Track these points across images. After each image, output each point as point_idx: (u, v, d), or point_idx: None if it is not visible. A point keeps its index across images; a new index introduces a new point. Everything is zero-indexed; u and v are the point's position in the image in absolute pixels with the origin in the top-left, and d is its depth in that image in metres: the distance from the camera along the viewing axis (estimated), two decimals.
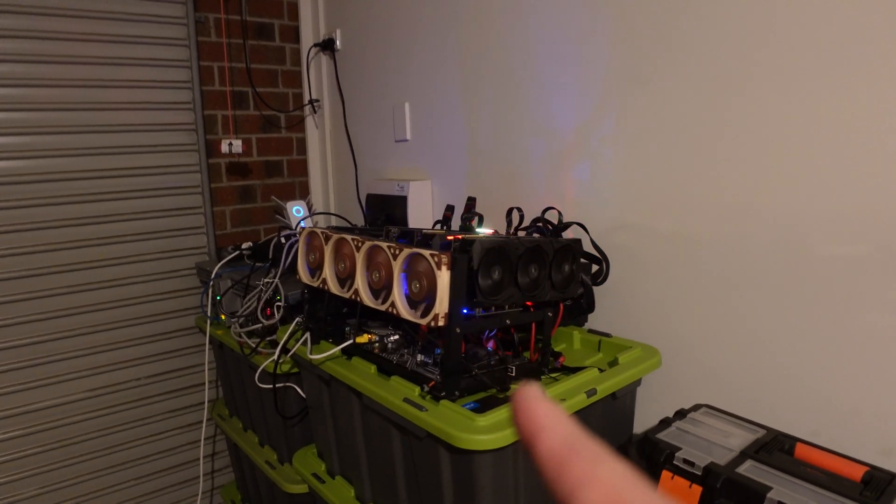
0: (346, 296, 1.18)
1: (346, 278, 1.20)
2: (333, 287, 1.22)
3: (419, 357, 1.13)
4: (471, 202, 1.33)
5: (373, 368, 1.15)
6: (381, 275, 1.09)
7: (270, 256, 1.61)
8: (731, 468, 0.90)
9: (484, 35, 1.57)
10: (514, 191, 1.54)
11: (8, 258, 1.70)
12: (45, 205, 1.74)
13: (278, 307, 1.49)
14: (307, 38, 2.15)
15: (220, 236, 2.06)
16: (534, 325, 1.16)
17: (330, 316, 1.29)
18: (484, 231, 1.29)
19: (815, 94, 1.01)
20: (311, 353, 1.20)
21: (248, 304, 1.56)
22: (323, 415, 1.34)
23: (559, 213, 1.41)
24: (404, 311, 1.05)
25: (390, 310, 1.07)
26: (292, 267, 1.46)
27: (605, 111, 1.32)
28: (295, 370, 1.46)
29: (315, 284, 1.27)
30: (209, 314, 1.81)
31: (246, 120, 2.06)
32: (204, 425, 1.97)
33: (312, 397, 1.38)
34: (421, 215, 1.76)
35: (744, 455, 0.95)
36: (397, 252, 1.05)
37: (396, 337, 1.18)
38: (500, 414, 0.94)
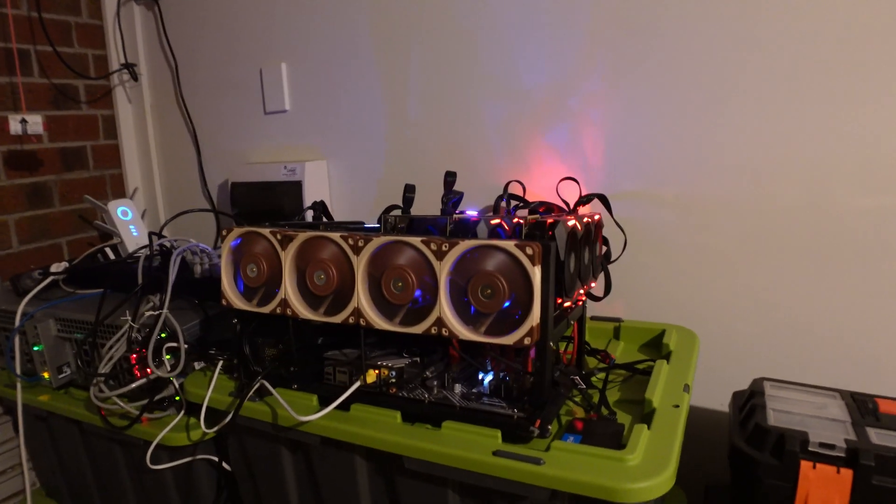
0: (336, 321, 0.82)
1: (325, 296, 0.83)
2: (304, 311, 0.85)
3: (457, 388, 0.82)
4: (450, 178, 1.04)
5: (397, 416, 0.81)
6: (409, 283, 0.76)
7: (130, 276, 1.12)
8: (868, 441, 0.79)
9: None
10: (458, 164, 1.26)
11: None
12: None
13: (169, 350, 1.02)
14: None
15: (4, 258, 1.43)
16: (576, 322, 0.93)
17: (297, 352, 0.90)
18: (471, 213, 1.02)
19: (834, 40, 0.93)
20: (294, 411, 0.81)
21: (112, 352, 1.06)
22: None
23: (523, 186, 1.18)
24: (464, 330, 0.74)
25: (433, 332, 0.75)
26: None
27: (589, 66, 1.12)
28: (209, 435, 1.02)
29: (265, 310, 0.87)
30: (18, 373, 1.23)
31: (29, 90, 1.44)
32: None
33: (269, 478, 0.97)
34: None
35: (858, 425, 0.85)
36: (445, 248, 0.73)
37: (403, 365, 0.86)
38: (639, 443, 0.70)
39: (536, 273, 0.70)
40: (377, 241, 0.78)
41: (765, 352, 1.07)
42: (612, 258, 1.07)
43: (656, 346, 1.05)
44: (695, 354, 0.97)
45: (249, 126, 1.52)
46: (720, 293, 1.08)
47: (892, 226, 0.95)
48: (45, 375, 1.20)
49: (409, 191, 1.04)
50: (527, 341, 0.71)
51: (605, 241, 1.06)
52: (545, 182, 1.19)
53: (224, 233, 0.91)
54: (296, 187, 1.36)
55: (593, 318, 1.12)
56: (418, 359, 0.86)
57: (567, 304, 0.82)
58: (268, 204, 1.41)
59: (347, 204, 1.40)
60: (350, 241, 0.80)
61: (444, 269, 0.74)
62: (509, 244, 0.71)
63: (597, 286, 1.03)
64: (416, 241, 0.76)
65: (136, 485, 1.16)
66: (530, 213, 1.04)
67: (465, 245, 0.73)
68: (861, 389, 0.96)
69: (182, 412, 1.03)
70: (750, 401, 0.94)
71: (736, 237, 1.05)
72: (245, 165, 1.46)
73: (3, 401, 1.42)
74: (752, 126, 1.01)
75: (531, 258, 0.70)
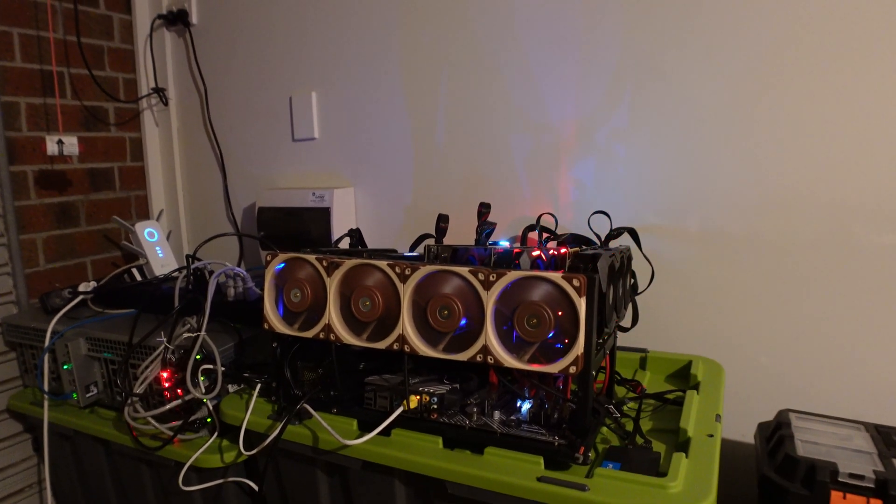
0: (381, 346, 0.84)
1: (369, 323, 0.85)
2: (347, 336, 0.87)
3: (496, 415, 0.84)
4: (485, 210, 1.07)
5: (438, 441, 0.83)
6: (455, 311, 0.79)
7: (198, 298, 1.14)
8: None
9: (449, 9, 1.30)
10: (484, 194, 1.30)
11: None
12: None
13: (205, 372, 1.04)
14: (143, 8, 1.62)
15: (31, 276, 1.44)
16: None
17: (340, 377, 0.92)
18: (503, 244, 1.04)
19: (852, 76, 0.97)
20: (338, 434, 0.83)
21: (147, 372, 1.08)
22: None
23: (555, 218, 1.21)
24: (509, 358, 0.77)
25: (478, 359, 0.78)
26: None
27: (615, 103, 1.15)
28: (243, 457, 1.03)
29: (308, 335, 0.89)
30: (46, 391, 1.24)
31: (62, 112, 1.48)
32: None
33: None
34: (345, 231, 1.41)
35: (885, 456, 0.87)
36: (493, 278, 0.76)
37: (444, 391, 0.87)
38: (680, 471, 0.72)
39: (582, 304, 0.72)
40: (424, 270, 0.81)
41: (787, 384, 1.09)
42: (639, 290, 1.10)
43: (682, 376, 1.07)
44: (722, 385, 0.99)
45: (277, 152, 1.55)
46: (743, 326, 1.11)
47: None
48: (74, 395, 1.21)
49: (443, 221, 1.06)
50: (572, 370, 0.73)
51: (633, 274, 1.09)
52: (570, 214, 1.22)
53: (268, 258, 0.93)
54: (324, 214, 1.39)
55: (619, 349, 1.14)
56: (458, 385, 0.88)
57: (606, 334, 0.84)
58: (295, 229, 1.43)
59: (375, 231, 1.42)
60: (397, 270, 0.82)
61: (490, 299, 0.77)
62: (556, 276, 0.73)
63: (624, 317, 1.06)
64: (463, 270, 0.78)
65: None
66: (559, 244, 1.07)
67: (512, 276, 0.76)
68: (883, 422, 0.99)
69: (216, 434, 1.04)
70: (777, 432, 0.96)
71: (759, 271, 1.08)
72: (272, 190, 1.48)
73: (25, 419, 1.43)
74: (774, 162, 1.05)
75: (577, 289, 0.72)
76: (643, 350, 1.12)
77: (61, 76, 1.47)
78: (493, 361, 0.77)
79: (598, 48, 1.15)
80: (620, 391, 1.01)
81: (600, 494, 0.69)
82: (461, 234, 1.29)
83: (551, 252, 0.88)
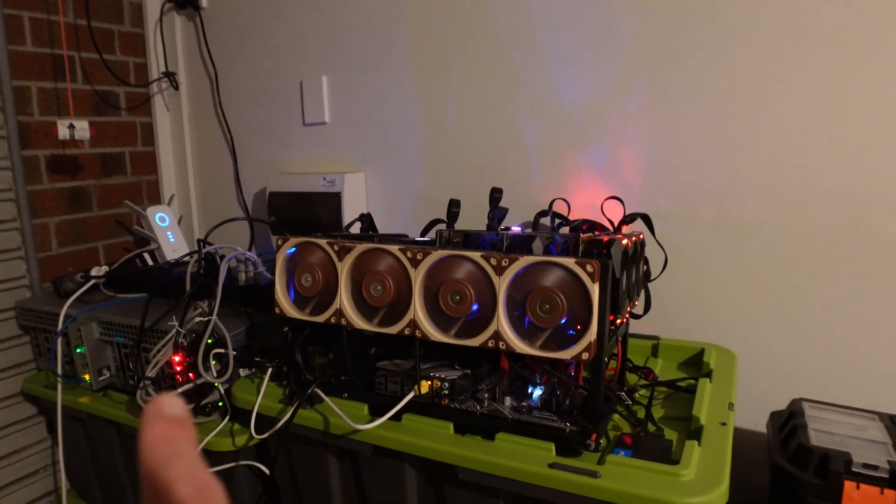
0: (392, 331, 0.84)
1: (380, 308, 0.85)
2: (359, 321, 0.87)
3: (507, 401, 0.84)
4: (497, 195, 1.06)
5: (449, 427, 0.82)
6: (467, 296, 0.78)
7: (209, 281, 1.14)
8: None
9: None
10: (496, 180, 1.28)
11: None
12: None
13: (216, 356, 1.04)
14: None
15: (43, 260, 1.45)
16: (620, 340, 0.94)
17: (351, 361, 0.92)
18: (515, 229, 1.04)
19: (871, 62, 0.95)
20: (349, 419, 0.83)
21: (158, 356, 1.08)
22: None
23: (568, 204, 1.20)
24: (521, 344, 0.76)
25: (490, 345, 0.77)
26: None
27: (629, 87, 1.14)
28: (254, 441, 1.04)
29: (319, 319, 0.89)
30: (59, 374, 1.25)
31: (73, 97, 1.47)
32: None
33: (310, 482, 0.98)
34: (356, 216, 1.41)
35: None
36: (505, 263, 0.75)
37: (455, 377, 0.87)
38: (692, 459, 0.72)
39: (595, 290, 0.72)
40: (436, 255, 0.80)
41: (800, 373, 1.08)
42: (652, 277, 1.09)
43: (695, 364, 1.06)
44: (735, 373, 0.98)
45: (287, 136, 1.54)
46: (756, 313, 1.10)
47: None
48: (86, 378, 1.22)
49: (455, 206, 1.06)
50: (585, 356, 0.72)
51: (646, 261, 1.08)
52: (582, 199, 1.21)
53: (279, 241, 0.93)
54: (334, 198, 1.39)
55: (631, 336, 1.13)
56: (469, 371, 0.87)
57: (618, 320, 0.83)
58: (305, 214, 1.43)
59: (385, 216, 1.42)
60: (409, 254, 0.82)
61: (503, 284, 0.76)
62: (569, 261, 0.73)
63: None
64: (475, 255, 0.78)
65: None
66: (572, 230, 1.06)
67: (525, 261, 0.75)
68: None
69: (227, 418, 1.05)
70: (790, 421, 0.95)
71: (773, 258, 1.07)
72: (282, 175, 1.48)
73: (39, 401, 1.44)
74: (789, 149, 1.03)
75: (591, 275, 0.71)
76: (655, 337, 1.12)
77: (72, 60, 1.47)
78: (504, 347, 0.76)
79: (612, 31, 1.14)
80: (632, 378, 1.01)
81: (612, 481, 0.69)
82: (472, 219, 1.28)
83: (565, 237, 0.87)
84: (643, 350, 1.11)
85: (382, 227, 1.43)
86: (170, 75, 1.64)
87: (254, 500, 1.10)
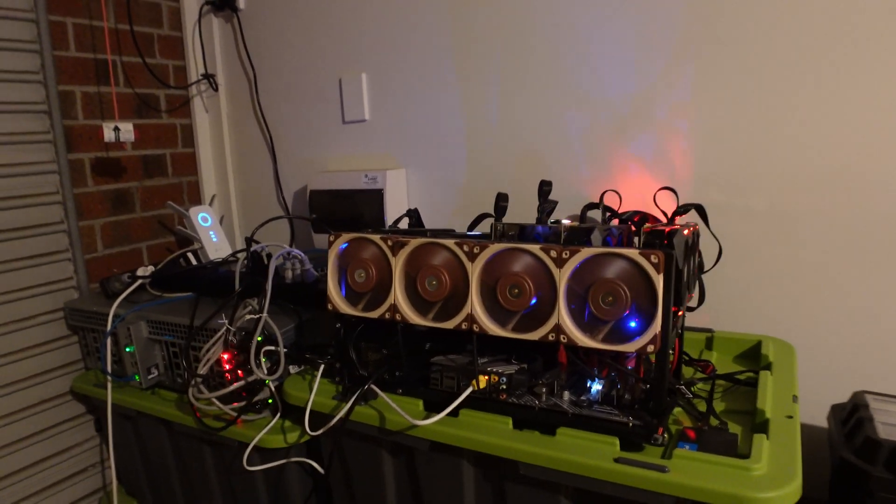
0: (448, 326, 0.83)
1: (435, 302, 0.85)
2: (414, 316, 0.86)
3: (566, 395, 0.83)
4: (546, 188, 1.05)
5: (508, 422, 0.82)
6: (526, 290, 0.77)
7: (253, 280, 1.14)
8: None
9: None
10: (540, 173, 1.27)
11: None
12: None
13: (267, 353, 1.05)
14: None
15: (90, 262, 1.47)
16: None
17: (407, 356, 0.91)
18: (565, 222, 1.02)
19: None
20: (407, 414, 0.83)
21: (209, 354, 1.09)
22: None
23: (619, 196, 1.19)
24: (582, 337, 0.75)
25: (551, 338, 0.76)
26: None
27: (676, 76, 1.12)
28: (305, 438, 1.04)
29: (373, 315, 0.89)
30: (110, 372, 1.26)
31: (115, 100, 1.49)
32: None
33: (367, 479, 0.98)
34: (398, 213, 1.41)
35: None
36: (566, 256, 0.74)
37: (513, 371, 0.86)
38: (763, 453, 0.70)
39: (660, 281, 0.70)
40: (493, 248, 0.80)
41: (860, 365, 1.05)
42: (705, 269, 1.07)
43: (751, 356, 1.04)
44: (795, 365, 0.96)
45: (327, 134, 1.55)
46: (813, 305, 1.07)
47: None
48: (137, 377, 1.24)
49: (503, 199, 1.04)
50: (650, 349, 0.71)
51: (699, 252, 1.06)
52: (631, 191, 1.19)
53: (331, 238, 0.93)
54: (376, 195, 1.38)
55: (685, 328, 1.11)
56: (526, 365, 0.87)
57: (680, 312, 0.82)
58: (347, 211, 1.43)
59: (428, 212, 1.41)
60: (465, 248, 0.81)
61: (563, 277, 0.75)
62: (633, 252, 0.71)
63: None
64: (535, 248, 0.77)
65: (225, 486, 1.18)
66: (622, 222, 1.05)
67: (586, 252, 0.74)
68: None
69: (278, 415, 1.05)
70: (854, 414, 0.92)
71: (830, 248, 1.04)
72: (323, 173, 1.48)
73: (88, 400, 1.46)
74: (843, 136, 1.00)
75: (656, 266, 0.70)
76: (709, 330, 1.09)
77: (114, 64, 1.49)
78: (566, 341, 0.75)
79: (659, 18, 1.12)
80: (687, 372, 0.99)
81: (681, 476, 0.68)
82: (515, 213, 1.27)
83: (620, 229, 0.86)
84: (697, 343, 1.09)
85: (425, 224, 1.42)
86: (209, 77, 1.65)
87: (304, 497, 1.10)
